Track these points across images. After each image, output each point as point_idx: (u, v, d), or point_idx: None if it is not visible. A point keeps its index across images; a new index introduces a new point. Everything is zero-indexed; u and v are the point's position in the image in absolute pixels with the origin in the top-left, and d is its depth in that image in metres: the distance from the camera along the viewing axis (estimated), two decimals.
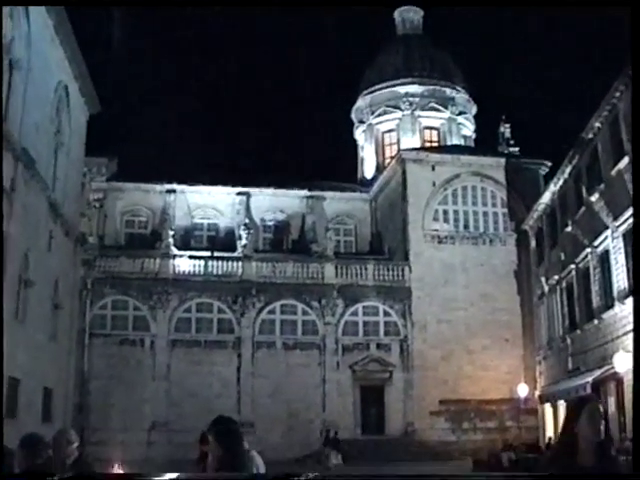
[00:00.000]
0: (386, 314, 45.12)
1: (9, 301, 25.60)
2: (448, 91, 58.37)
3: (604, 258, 30.03)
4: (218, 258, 45.42)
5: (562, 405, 36.23)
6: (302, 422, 42.59)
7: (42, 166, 28.61)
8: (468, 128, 59.41)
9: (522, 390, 35.09)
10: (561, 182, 35.87)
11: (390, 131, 58.08)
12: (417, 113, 57.15)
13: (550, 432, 37.42)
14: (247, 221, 48.48)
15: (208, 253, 46.39)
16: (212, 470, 6.18)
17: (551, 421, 38.07)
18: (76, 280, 36.40)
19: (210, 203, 51.09)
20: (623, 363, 25.05)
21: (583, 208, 32.28)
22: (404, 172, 47.47)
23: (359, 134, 60.89)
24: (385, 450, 38.77)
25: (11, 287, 25.79)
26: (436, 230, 46.73)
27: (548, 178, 42.83)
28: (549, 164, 47.84)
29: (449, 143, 56.15)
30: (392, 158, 51.59)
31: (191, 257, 45.15)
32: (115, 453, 28.68)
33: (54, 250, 31.25)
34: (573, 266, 33.97)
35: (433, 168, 47.48)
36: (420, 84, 57.64)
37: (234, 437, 6.31)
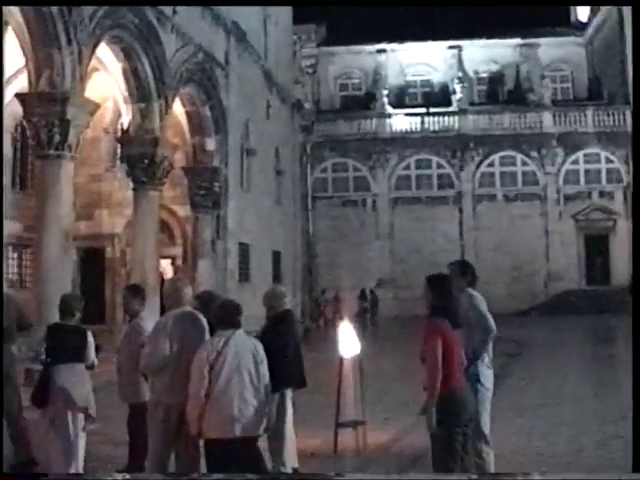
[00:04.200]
0: (608, 161, 43.13)
1: (234, 171, 26.51)
2: None
3: None
4: (434, 114, 44.88)
5: None
6: (526, 274, 42.17)
7: (253, 38, 28.77)
8: None
9: None
10: None
11: None
12: None
13: None
14: (460, 74, 47.27)
15: (423, 109, 45.83)
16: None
17: None
18: (295, 146, 36.94)
19: (422, 59, 49.95)
20: None
21: None
22: (620, 11, 44.30)
23: None
24: (610, 300, 37.70)
25: (235, 157, 26.62)
26: None
27: None
28: None
29: None
30: None
31: (407, 115, 44.89)
32: (343, 310, 29.60)
33: (272, 118, 31.73)
34: None
35: None
36: None
37: (446, 284, 6.66)
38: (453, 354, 6.34)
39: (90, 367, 8.05)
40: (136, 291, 8.90)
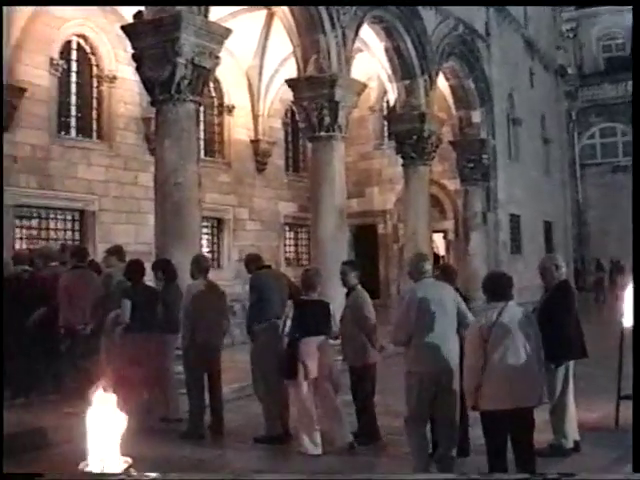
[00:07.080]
0: None
1: (502, 142, 25.73)
2: None
3: None
4: None
5: None
6: None
7: (512, 6, 27.87)
8: None
9: None
10: None
11: None
12: None
13: None
14: None
15: None
16: None
17: None
18: (561, 113, 35.36)
19: None
20: None
21: None
22: None
23: None
24: None
25: (501, 128, 25.85)
26: None
27: None
28: None
29: None
30: None
31: None
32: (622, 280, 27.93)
33: (536, 86, 30.57)
34: None
35: None
36: None
37: None
38: None
39: (334, 338, 8.63)
40: (354, 266, 9.20)
